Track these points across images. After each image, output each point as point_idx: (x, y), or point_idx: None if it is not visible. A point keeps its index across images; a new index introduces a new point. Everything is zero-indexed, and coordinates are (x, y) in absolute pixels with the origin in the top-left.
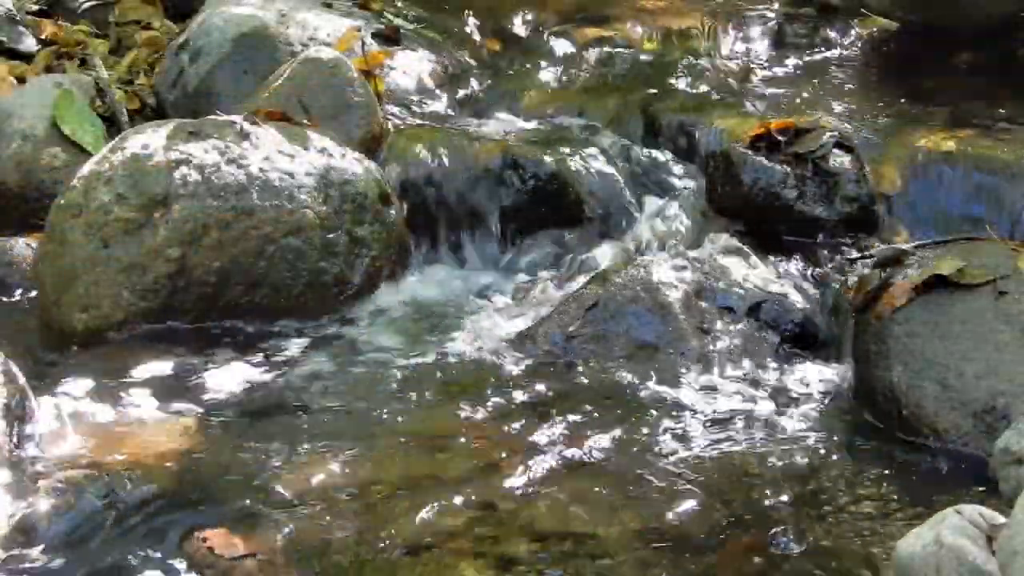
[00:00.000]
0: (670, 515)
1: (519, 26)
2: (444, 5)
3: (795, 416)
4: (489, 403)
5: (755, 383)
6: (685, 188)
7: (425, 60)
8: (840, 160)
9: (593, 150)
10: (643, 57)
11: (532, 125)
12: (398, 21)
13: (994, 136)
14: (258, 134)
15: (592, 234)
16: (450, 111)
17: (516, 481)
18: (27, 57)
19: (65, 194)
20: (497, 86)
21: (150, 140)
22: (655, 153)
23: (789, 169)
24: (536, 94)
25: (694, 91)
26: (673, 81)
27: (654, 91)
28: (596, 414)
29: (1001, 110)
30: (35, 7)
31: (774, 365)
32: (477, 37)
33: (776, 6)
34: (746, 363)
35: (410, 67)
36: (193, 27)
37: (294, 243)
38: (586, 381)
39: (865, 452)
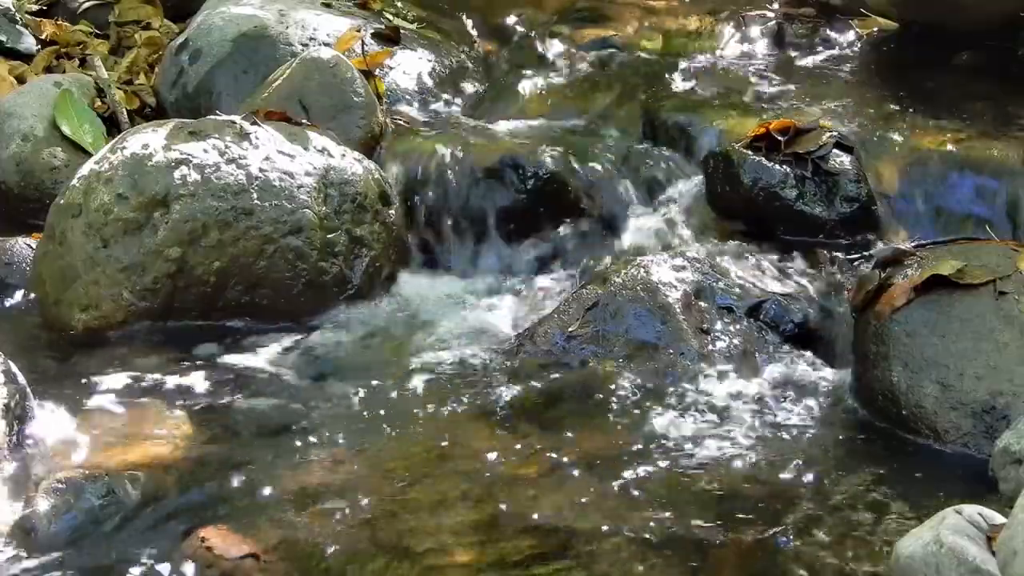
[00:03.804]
0: (670, 515)
1: (519, 26)
2: (444, 5)
3: (795, 416)
4: (489, 403)
5: (755, 383)
6: (685, 188)
7: (425, 60)
8: (840, 160)
9: (593, 150)
10: (643, 57)
11: (532, 125)
12: (398, 21)
13: (994, 136)
14: (258, 134)
15: (592, 234)
16: (450, 111)
17: (516, 481)
18: (27, 57)
19: (65, 194)
20: (497, 86)
21: (150, 140)
22: (655, 153)
23: (789, 169)
24: (535, 94)
25: (694, 91)
26: (673, 81)
27: (654, 91)
28: (596, 415)
29: (1001, 110)
30: (35, 7)
31: (774, 365)
32: (477, 37)
33: (776, 6)
34: (746, 363)
35: (410, 67)
36: (193, 27)
37: (294, 243)
38: (586, 381)
39: (865, 452)
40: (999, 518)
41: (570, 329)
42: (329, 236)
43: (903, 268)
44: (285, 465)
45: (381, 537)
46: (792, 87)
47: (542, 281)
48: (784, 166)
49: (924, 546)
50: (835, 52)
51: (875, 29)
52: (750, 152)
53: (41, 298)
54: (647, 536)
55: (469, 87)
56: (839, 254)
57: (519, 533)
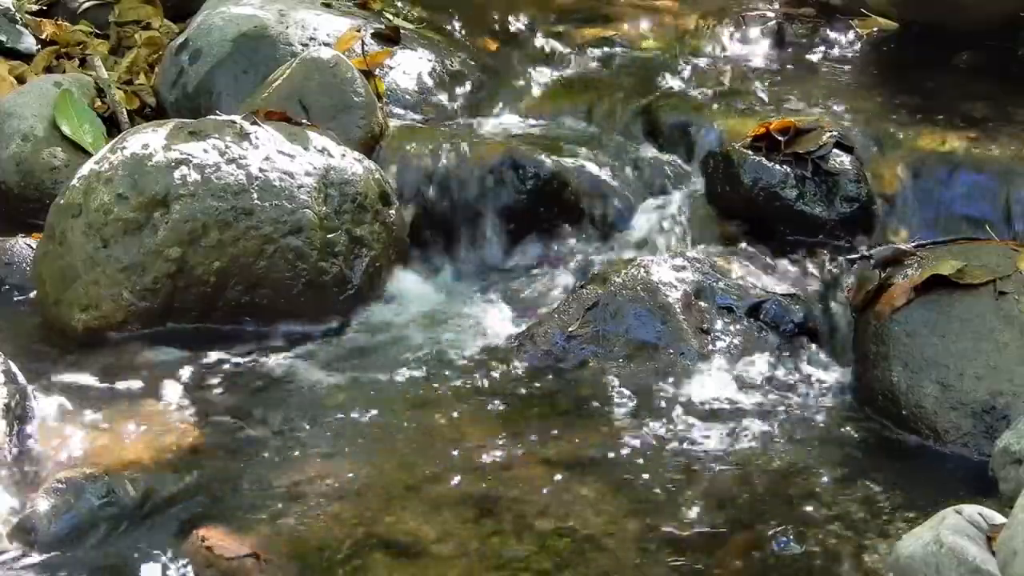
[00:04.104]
0: (670, 515)
1: (519, 26)
2: (444, 5)
3: (795, 416)
4: (489, 403)
5: (755, 383)
6: (685, 188)
7: (425, 60)
8: (840, 160)
9: (593, 150)
10: (643, 57)
11: (532, 125)
12: (398, 21)
13: (994, 136)
14: (258, 134)
15: (592, 234)
16: (450, 111)
17: (516, 481)
18: (27, 57)
19: (65, 194)
20: (497, 86)
21: (150, 140)
22: (655, 153)
23: (789, 169)
24: (536, 94)
25: (694, 91)
26: (673, 81)
27: (654, 91)
28: (596, 414)
29: (1001, 110)
30: (35, 7)
31: (774, 365)
32: (477, 37)
33: (776, 6)
34: (746, 363)
35: (410, 67)
36: (193, 27)
37: (294, 243)
38: (586, 381)
39: (865, 452)
40: (999, 518)
41: (570, 329)
42: (329, 236)
43: (903, 268)
44: (285, 465)
45: (381, 537)
46: (792, 87)
47: (542, 281)
48: (784, 166)
49: (924, 546)
50: (835, 52)
51: (875, 29)
52: (750, 152)
53: (41, 298)
54: (647, 536)
55: (469, 87)
56: (839, 254)
57: (519, 533)
